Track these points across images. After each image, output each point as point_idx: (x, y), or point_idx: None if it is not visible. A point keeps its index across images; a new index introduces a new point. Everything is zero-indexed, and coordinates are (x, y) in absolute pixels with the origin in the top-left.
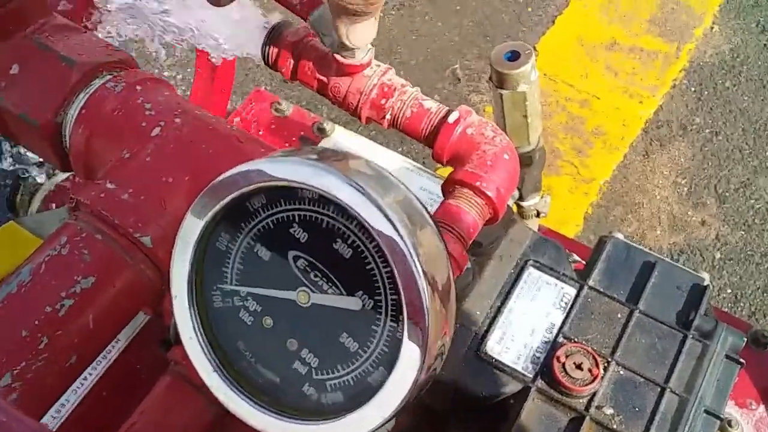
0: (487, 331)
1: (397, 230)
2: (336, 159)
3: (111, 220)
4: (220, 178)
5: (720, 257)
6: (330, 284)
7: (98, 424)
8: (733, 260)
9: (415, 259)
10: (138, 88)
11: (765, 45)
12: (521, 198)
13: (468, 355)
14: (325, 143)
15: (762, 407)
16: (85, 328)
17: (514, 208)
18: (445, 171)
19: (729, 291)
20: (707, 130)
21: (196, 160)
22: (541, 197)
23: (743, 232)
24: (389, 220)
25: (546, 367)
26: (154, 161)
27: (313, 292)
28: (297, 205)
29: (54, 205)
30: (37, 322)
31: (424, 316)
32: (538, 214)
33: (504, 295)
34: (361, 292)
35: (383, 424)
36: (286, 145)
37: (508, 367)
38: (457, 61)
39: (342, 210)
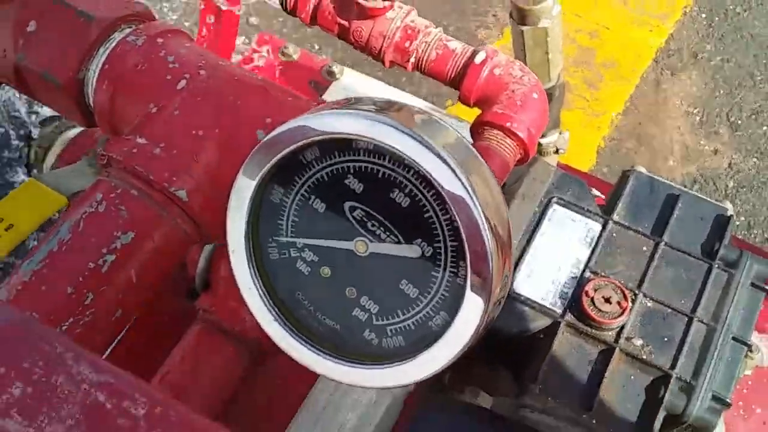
0: (514, 269)
1: (458, 177)
2: (391, 109)
3: (145, 176)
4: (273, 134)
5: (733, 185)
6: (388, 233)
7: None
8: (746, 188)
9: (477, 206)
10: (159, 40)
11: None
12: (541, 135)
13: None
14: (335, 86)
15: None
16: (128, 283)
17: None
18: (454, 110)
19: (743, 218)
20: (718, 58)
21: (224, 112)
22: (560, 134)
23: (756, 160)
24: (448, 166)
25: (574, 301)
26: (183, 115)
27: (371, 241)
28: (352, 156)
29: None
30: (81, 279)
31: (487, 261)
32: (557, 151)
33: (530, 233)
34: (419, 240)
35: (446, 366)
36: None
37: (537, 303)
38: None
39: (399, 160)
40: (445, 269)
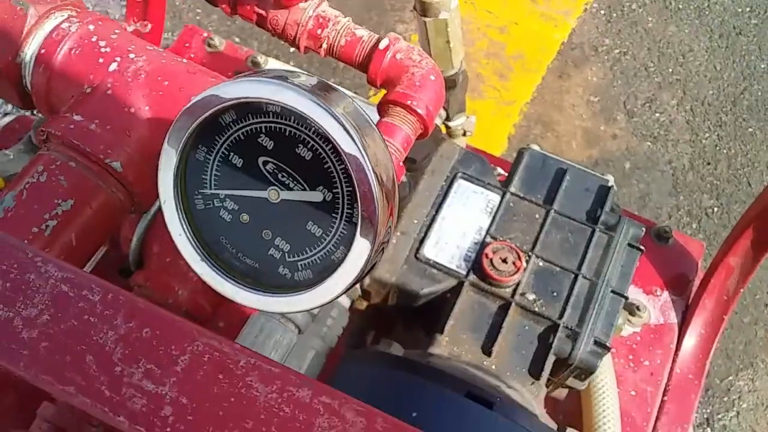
0: (424, 237)
1: (349, 134)
2: (294, 78)
3: (82, 149)
4: (196, 99)
5: (629, 167)
6: (295, 182)
7: None
8: (641, 168)
9: (365, 156)
10: (91, 27)
11: None
12: (448, 118)
13: (409, 258)
14: None
15: (665, 293)
16: (68, 246)
17: (443, 129)
18: (376, 100)
19: (638, 196)
20: (616, 51)
21: (153, 91)
22: (467, 117)
23: (649, 143)
24: (342, 126)
25: (476, 263)
26: (115, 93)
27: (282, 189)
28: (263, 118)
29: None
30: (25, 242)
31: (373, 202)
32: (464, 133)
33: (437, 205)
34: (321, 187)
35: (344, 292)
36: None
37: (444, 266)
38: None
39: (302, 119)
40: (342, 211)
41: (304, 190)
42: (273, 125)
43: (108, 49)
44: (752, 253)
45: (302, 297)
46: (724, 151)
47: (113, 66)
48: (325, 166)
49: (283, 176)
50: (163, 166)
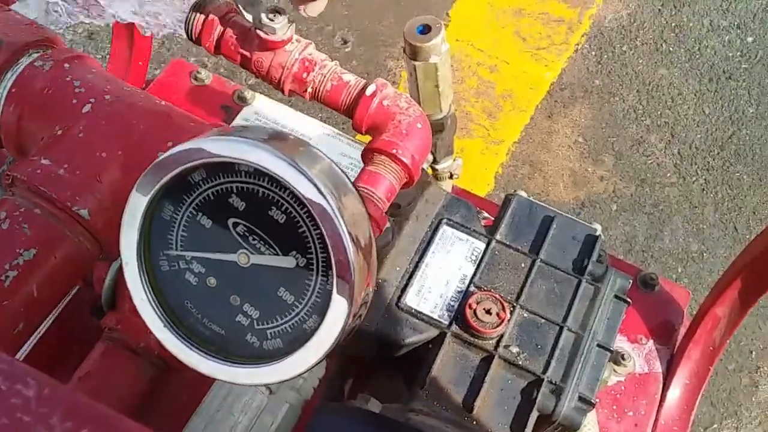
0: (406, 285)
1: (325, 197)
2: (268, 136)
3: (48, 195)
4: (164, 155)
5: (616, 209)
6: (267, 246)
7: None
8: (627, 211)
9: (341, 222)
10: (66, 65)
11: (659, 10)
12: (435, 161)
13: (390, 307)
14: (246, 111)
15: (651, 341)
16: (29, 297)
17: (430, 171)
18: (364, 137)
19: (624, 239)
20: (605, 92)
21: (128, 135)
22: (454, 160)
23: (636, 186)
24: (318, 189)
25: (459, 314)
26: (87, 137)
27: (252, 253)
28: (234, 177)
29: None
30: None
31: (350, 270)
32: (451, 176)
33: (421, 252)
34: (294, 252)
35: (317, 364)
36: (206, 115)
37: (426, 315)
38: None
39: (275, 181)
40: (316, 277)
41: (276, 254)
42: (245, 185)
43: (83, 90)
44: (740, 303)
45: (271, 368)
46: (711, 195)
47: (87, 107)
48: (300, 231)
49: (254, 239)
50: (127, 225)
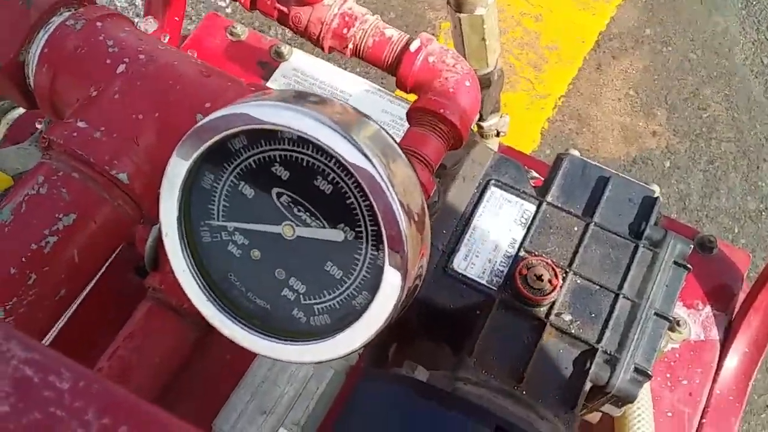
0: (453, 249)
1: (374, 166)
2: (313, 101)
3: (86, 159)
4: (205, 120)
5: (669, 165)
6: (313, 218)
7: (79, 350)
8: (681, 168)
9: (392, 192)
10: (98, 24)
11: None
12: (482, 119)
13: (436, 272)
14: (284, 67)
15: (708, 307)
16: (70, 263)
17: (475, 129)
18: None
19: (678, 197)
20: (657, 42)
21: (163, 96)
22: (501, 117)
23: (691, 141)
24: (366, 156)
25: (509, 280)
26: (123, 99)
27: (297, 225)
28: (277, 145)
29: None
30: (24, 259)
31: (402, 243)
32: (498, 134)
33: (468, 214)
34: (342, 225)
35: (368, 342)
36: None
37: (474, 281)
38: None
39: (320, 149)
40: (366, 251)
41: (323, 227)
42: (288, 154)
43: (116, 49)
44: None
45: (320, 346)
46: None
47: (121, 67)
48: (347, 201)
49: (299, 210)
50: (166, 192)
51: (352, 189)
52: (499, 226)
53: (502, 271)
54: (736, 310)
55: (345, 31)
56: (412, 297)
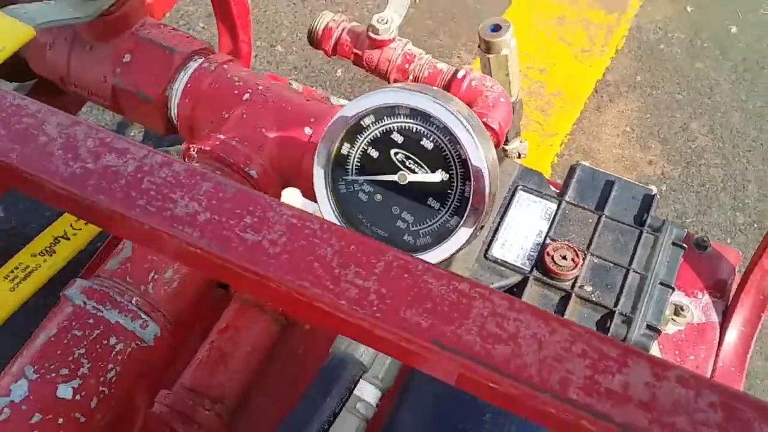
0: (492, 239)
1: (467, 130)
2: (423, 87)
3: (227, 161)
4: (345, 113)
5: (666, 189)
6: (419, 167)
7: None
8: (676, 190)
9: (481, 152)
10: (225, 66)
11: (688, 10)
12: (506, 142)
13: (479, 258)
14: None
15: (706, 295)
16: None
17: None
18: None
19: (675, 215)
20: (648, 86)
21: (280, 115)
22: (521, 141)
23: (683, 168)
24: (462, 123)
25: (539, 261)
26: (250, 117)
27: (409, 173)
28: (396, 119)
29: None
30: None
31: (482, 177)
32: (519, 155)
33: (502, 212)
34: (440, 170)
35: (458, 251)
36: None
37: (510, 264)
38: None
39: (427, 119)
40: (456, 187)
41: (427, 173)
42: (403, 124)
43: (241, 83)
44: None
45: (424, 256)
46: (753, 173)
47: (246, 95)
48: (443, 154)
49: (410, 163)
50: (318, 161)
51: (447, 144)
52: (528, 220)
53: (533, 255)
54: (731, 297)
55: (407, 66)
56: (486, 222)
